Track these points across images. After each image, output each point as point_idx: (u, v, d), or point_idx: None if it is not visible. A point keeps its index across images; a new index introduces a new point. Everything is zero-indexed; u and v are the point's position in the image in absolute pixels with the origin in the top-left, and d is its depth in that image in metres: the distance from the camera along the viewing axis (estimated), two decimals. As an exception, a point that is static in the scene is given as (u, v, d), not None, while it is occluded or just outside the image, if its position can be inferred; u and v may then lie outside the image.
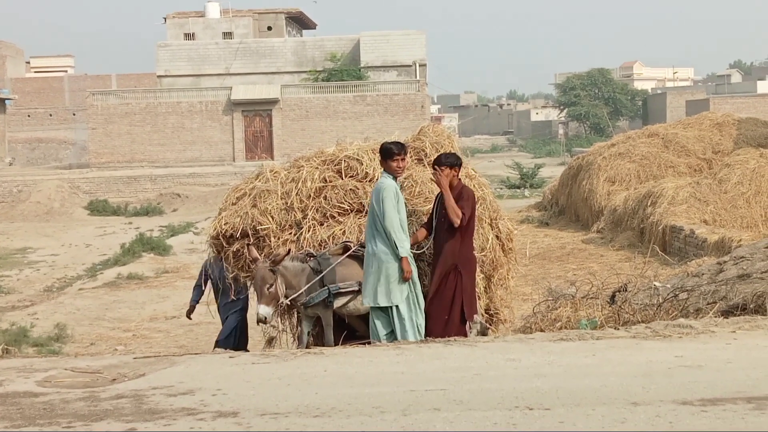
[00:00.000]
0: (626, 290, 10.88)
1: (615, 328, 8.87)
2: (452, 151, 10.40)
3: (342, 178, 10.62)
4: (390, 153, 9.50)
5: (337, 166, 10.74)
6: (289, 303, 9.57)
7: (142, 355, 8.91)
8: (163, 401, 6.42)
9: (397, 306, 9.36)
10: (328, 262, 9.70)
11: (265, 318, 9.35)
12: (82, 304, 20.47)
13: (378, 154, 9.83)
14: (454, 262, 9.53)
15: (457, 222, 9.41)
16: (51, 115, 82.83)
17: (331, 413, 6.09)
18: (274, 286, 9.35)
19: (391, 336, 9.42)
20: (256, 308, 9.44)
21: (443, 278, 9.54)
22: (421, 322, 9.51)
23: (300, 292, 9.52)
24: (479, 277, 10.38)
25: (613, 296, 10.77)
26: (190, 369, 7.54)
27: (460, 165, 9.75)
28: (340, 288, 9.64)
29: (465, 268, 9.58)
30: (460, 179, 9.81)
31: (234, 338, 12.34)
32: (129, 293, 22.09)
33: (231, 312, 12.47)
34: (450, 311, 9.56)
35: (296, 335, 11.04)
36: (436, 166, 9.68)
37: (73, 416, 6.16)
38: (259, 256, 9.56)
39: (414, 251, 9.64)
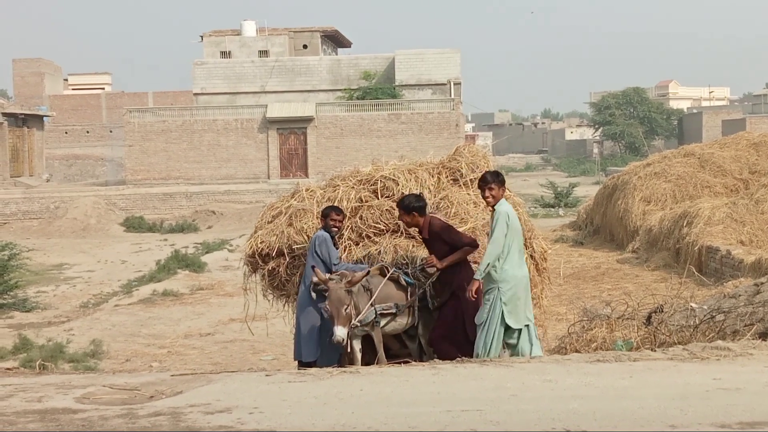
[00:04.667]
0: (662, 311, 10.80)
1: (652, 350, 8.81)
2: (414, 193, 10.18)
3: (378, 198, 10.64)
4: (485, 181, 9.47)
5: (373, 186, 10.76)
6: (358, 323, 9.42)
7: (179, 373, 8.95)
8: (201, 419, 6.44)
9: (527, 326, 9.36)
10: (374, 280, 9.60)
11: (342, 339, 9.18)
12: (118, 321, 20.60)
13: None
14: (452, 290, 9.56)
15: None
16: (88, 132, 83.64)
17: (368, 433, 6.10)
18: (350, 307, 9.25)
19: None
20: (334, 330, 9.22)
21: (442, 306, 9.69)
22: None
23: (366, 312, 9.41)
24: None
25: (649, 317, 10.69)
26: (227, 387, 7.57)
27: (414, 208, 9.63)
28: (382, 309, 9.55)
29: (462, 292, 9.49)
30: (426, 216, 9.68)
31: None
32: (164, 310, 22.19)
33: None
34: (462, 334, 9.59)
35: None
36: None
37: (111, 433, 6.20)
38: (326, 277, 9.40)
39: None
